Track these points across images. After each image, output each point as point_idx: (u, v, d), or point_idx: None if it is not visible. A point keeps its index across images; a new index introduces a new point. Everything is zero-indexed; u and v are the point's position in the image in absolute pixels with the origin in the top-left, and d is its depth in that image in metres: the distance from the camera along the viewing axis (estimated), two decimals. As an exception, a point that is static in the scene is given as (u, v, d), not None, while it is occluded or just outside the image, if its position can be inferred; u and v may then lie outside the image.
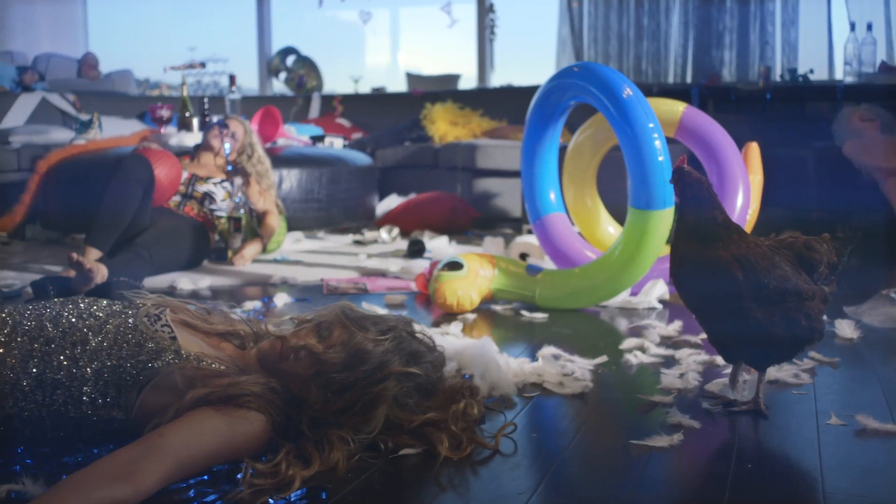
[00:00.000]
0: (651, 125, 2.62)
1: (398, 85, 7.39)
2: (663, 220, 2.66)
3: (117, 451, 1.33)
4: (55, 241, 4.48)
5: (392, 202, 5.22)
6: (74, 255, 2.88)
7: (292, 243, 4.30)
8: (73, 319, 1.56)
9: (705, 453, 1.62)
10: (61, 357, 1.50)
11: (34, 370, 1.48)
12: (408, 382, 1.59)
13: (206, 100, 4.66)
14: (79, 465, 1.48)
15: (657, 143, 2.62)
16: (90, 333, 1.54)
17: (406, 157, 5.66)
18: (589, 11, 6.58)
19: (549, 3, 6.82)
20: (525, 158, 3.10)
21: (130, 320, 1.58)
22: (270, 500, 1.34)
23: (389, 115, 6.31)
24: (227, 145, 3.90)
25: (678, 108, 3.12)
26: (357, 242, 4.49)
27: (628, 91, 2.66)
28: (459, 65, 8.15)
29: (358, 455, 1.50)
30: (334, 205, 4.61)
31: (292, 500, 1.36)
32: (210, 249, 3.74)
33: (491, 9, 6.91)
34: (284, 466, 1.41)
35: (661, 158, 2.62)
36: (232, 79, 4.91)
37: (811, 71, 5.54)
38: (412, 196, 5.21)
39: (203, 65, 5.08)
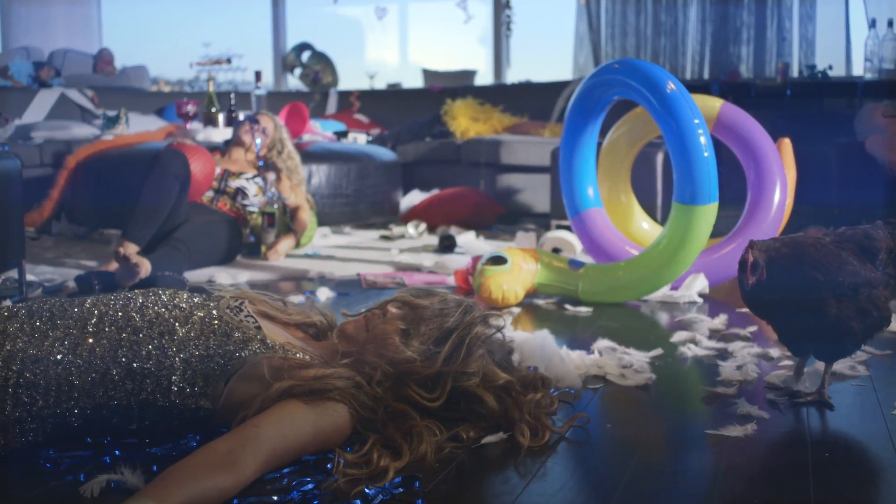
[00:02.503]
0: (696, 120, 2.65)
1: (411, 81, 7.41)
2: (708, 215, 2.69)
3: (214, 443, 1.35)
4: (82, 237, 4.49)
5: (415, 197, 5.23)
6: (121, 250, 2.89)
7: (320, 238, 4.32)
8: (160, 309, 1.58)
9: (780, 442, 1.64)
10: (150, 347, 1.52)
11: (123, 359, 1.50)
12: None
13: (232, 95, 4.67)
14: (168, 455, 1.50)
15: (702, 138, 2.64)
16: (177, 324, 1.56)
17: (427, 152, 5.67)
18: (606, 7, 6.59)
19: (565, -1, 6.84)
20: (564, 154, 3.12)
21: (215, 311, 1.59)
22: (366, 490, 1.36)
23: (407, 111, 6.31)
24: (257, 141, 3.92)
25: (716, 104, 3.13)
26: (384, 237, 4.51)
27: (672, 86, 2.68)
28: (471, 61, 8.17)
29: (448, 448, 1.52)
30: (362, 200, 4.63)
31: (387, 488, 1.38)
32: (242, 244, 3.75)
33: (507, 5, 6.92)
34: (376, 457, 1.43)
35: (706, 154, 2.64)
36: (258, 75, 4.92)
37: (830, 67, 5.55)
38: (435, 191, 5.22)
39: (229, 60, 5.08)
